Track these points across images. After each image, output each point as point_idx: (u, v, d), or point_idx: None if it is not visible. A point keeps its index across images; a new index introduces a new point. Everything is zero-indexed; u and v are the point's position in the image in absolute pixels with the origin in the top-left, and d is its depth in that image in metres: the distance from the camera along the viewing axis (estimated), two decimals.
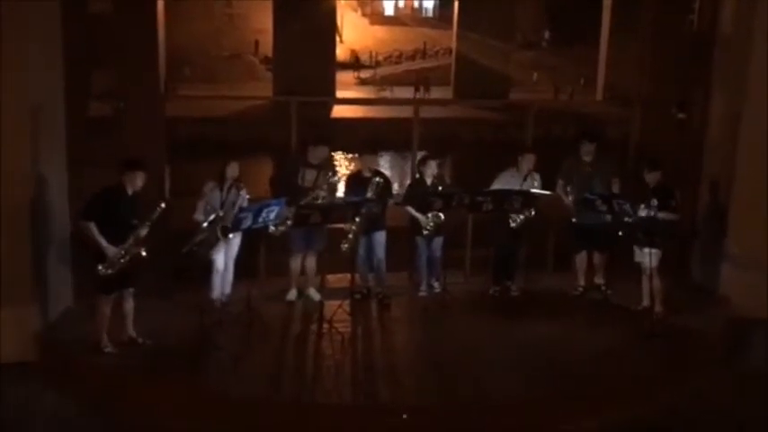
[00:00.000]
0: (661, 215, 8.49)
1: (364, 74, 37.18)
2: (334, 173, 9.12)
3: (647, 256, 8.64)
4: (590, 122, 23.97)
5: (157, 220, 7.65)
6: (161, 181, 9.56)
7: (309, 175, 8.95)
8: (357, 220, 8.60)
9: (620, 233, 8.78)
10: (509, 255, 9.54)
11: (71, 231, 8.63)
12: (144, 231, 7.60)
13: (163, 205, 7.71)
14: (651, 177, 8.69)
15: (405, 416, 6.95)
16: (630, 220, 8.57)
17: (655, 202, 8.49)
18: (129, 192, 7.66)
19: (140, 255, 7.58)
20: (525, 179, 9.20)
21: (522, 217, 9.13)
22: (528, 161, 9.29)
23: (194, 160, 14.65)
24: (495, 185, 9.30)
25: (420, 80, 34.78)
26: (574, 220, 9.32)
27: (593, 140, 9.40)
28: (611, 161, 9.60)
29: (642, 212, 8.54)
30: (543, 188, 9.30)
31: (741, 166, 9.51)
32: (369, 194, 8.77)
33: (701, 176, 10.17)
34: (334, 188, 8.99)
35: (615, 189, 9.23)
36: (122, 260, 7.57)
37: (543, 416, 7.31)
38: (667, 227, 8.60)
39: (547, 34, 42.31)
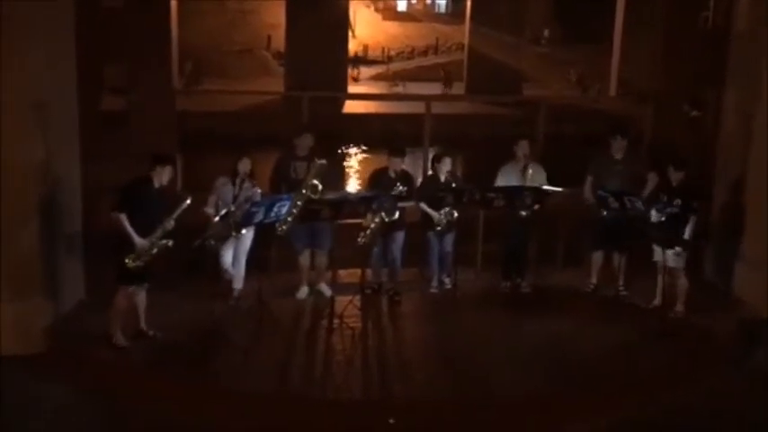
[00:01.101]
0: (687, 232, 8.50)
1: (365, 73, 36.92)
2: (321, 159, 8.97)
3: (669, 257, 8.60)
4: (602, 119, 23.83)
5: (182, 214, 7.71)
6: (173, 175, 9.58)
7: (300, 168, 8.91)
8: (377, 221, 8.58)
9: (643, 233, 8.71)
10: (518, 250, 9.51)
11: (83, 224, 8.67)
12: (170, 224, 7.68)
13: (188, 201, 7.78)
14: (676, 177, 8.62)
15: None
16: (655, 220, 8.51)
17: (678, 201, 8.44)
18: (156, 185, 7.74)
19: (168, 247, 7.67)
20: (525, 169, 9.17)
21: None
22: (523, 148, 9.25)
23: (205, 154, 14.67)
24: (499, 179, 9.29)
25: (447, 75, 34.65)
26: (604, 213, 9.06)
27: (624, 136, 9.29)
28: (641, 158, 9.47)
29: (663, 213, 8.49)
30: (550, 183, 9.28)
31: (755, 163, 9.45)
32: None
33: (713, 174, 10.10)
34: (323, 172, 8.81)
35: (651, 185, 9.10)
36: (151, 252, 7.64)
37: (554, 412, 7.28)
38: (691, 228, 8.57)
39: (546, 32, 41.83)
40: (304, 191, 8.64)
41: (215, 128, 22.71)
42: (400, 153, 9.26)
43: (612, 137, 9.29)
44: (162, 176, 7.76)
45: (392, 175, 9.03)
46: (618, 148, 9.26)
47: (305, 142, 9.01)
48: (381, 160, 9.54)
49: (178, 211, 7.71)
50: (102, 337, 7.90)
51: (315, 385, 7.47)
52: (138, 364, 7.76)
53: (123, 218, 7.59)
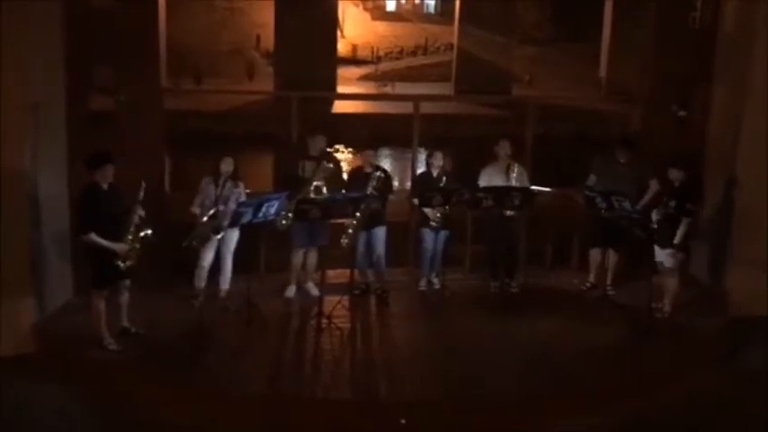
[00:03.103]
0: (678, 234, 8.48)
1: (354, 73, 36.72)
2: (334, 163, 9.10)
3: (663, 257, 8.62)
4: (590, 119, 23.89)
5: (145, 201, 7.71)
6: (161, 175, 9.55)
7: (309, 167, 8.95)
8: (357, 215, 8.61)
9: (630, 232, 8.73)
10: (506, 250, 9.53)
11: (70, 224, 8.64)
12: (140, 213, 7.67)
13: (144, 185, 7.72)
14: (676, 176, 8.61)
15: (403, 421, 6.93)
16: (654, 220, 8.54)
17: (673, 203, 8.46)
18: (105, 186, 7.65)
19: (149, 236, 7.69)
20: (508, 170, 9.21)
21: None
22: (504, 148, 9.30)
23: (194, 154, 14.62)
24: (482, 180, 9.30)
25: None
26: (603, 212, 8.96)
27: (630, 147, 9.32)
28: (645, 164, 9.50)
29: (659, 214, 8.51)
30: (540, 183, 9.30)
31: (743, 162, 9.48)
32: (369, 190, 8.77)
33: (702, 173, 10.12)
34: (330, 176, 8.94)
35: (652, 191, 9.13)
36: (136, 248, 7.66)
37: (542, 412, 7.31)
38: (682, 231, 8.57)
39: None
40: (312, 189, 8.73)
41: (204, 128, 22.69)
42: (372, 146, 9.46)
43: (619, 147, 9.33)
44: (105, 176, 7.63)
45: (368, 170, 9.08)
46: (623, 155, 9.29)
47: (318, 143, 9.04)
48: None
49: (140, 197, 7.67)
50: (90, 337, 7.86)
51: (304, 385, 7.46)
52: (128, 364, 7.73)
53: (94, 236, 7.53)
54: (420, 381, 7.59)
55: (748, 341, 8.75)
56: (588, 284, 9.68)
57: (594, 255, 9.62)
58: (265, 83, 31.28)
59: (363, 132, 22.12)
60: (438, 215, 9.08)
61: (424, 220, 9.22)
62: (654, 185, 9.17)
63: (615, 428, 7.31)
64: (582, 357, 7.99)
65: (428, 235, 9.30)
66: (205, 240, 8.43)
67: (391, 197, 9.26)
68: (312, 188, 8.78)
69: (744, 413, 7.45)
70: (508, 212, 9.16)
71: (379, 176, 8.85)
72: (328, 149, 9.40)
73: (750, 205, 9.32)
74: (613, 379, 7.77)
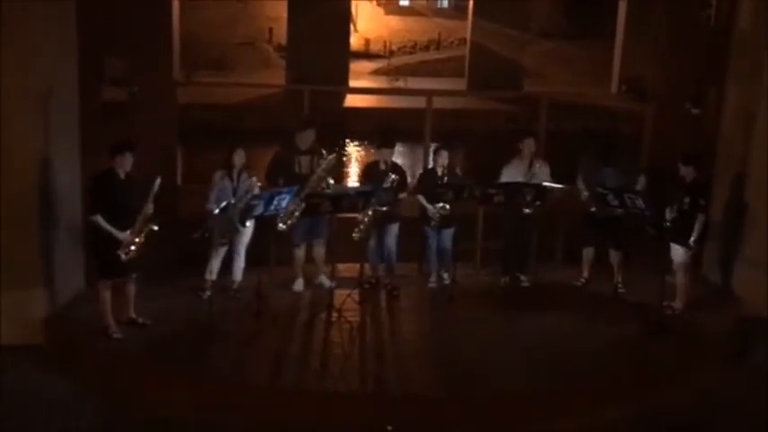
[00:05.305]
0: (695, 230, 8.53)
1: (366, 67, 36.64)
2: (329, 153, 9.03)
3: (675, 253, 8.65)
4: (603, 116, 23.82)
5: (157, 194, 7.72)
6: (173, 167, 9.57)
7: (304, 162, 8.94)
8: (370, 213, 8.60)
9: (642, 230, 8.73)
10: (519, 245, 9.52)
11: (83, 215, 8.67)
12: (150, 208, 7.68)
13: (159, 180, 7.74)
14: (686, 172, 8.64)
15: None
16: (668, 217, 8.53)
17: (687, 199, 8.47)
18: (122, 175, 7.71)
19: (153, 231, 7.69)
20: (531, 166, 9.21)
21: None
22: (528, 146, 9.31)
23: (206, 147, 14.66)
24: (504, 176, 9.30)
25: None
26: (592, 209, 9.19)
27: (615, 150, 9.43)
28: (634, 159, 9.49)
29: (673, 211, 8.51)
30: (553, 178, 9.29)
31: (755, 162, 9.44)
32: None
33: (714, 173, 10.09)
34: (331, 168, 8.92)
35: (639, 187, 9.12)
36: (138, 240, 7.66)
37: (549, 408, 7.31)
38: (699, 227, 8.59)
39: None
40: (322, 184, 8.73)
41: (216, 121, 22.73)
42: (390, 145, 9.33)
43: (605, 149, 9.42)
44: (124, 165, 7.71)
45: (383, 167, 9.06)
46: (609, 156, 9.35)
47: (308, 137, 9.03)
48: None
49: (152, 194, 7.70)
50: (96, 329, 7.91)
51: (313, 378, 7.47)
52: (137, 355, 7.77)
53: (100, 219, 7.62)
54: (428, 375, 7.62)
55: (756, 340, 8.73)
56: (582, 280, 9.69)
57: (587, 252, 9.65)
58: (278, 76, 31.28)
59: (374, 126, 22.16)
60: (438, 214, 9.05)
61: (427, 218, 9.21)
62: (641, 181, 9.17)
63: (622, 425, 7.31)
64: (590, 354, 7.98)
65: (431, 233, 9.29)
66: (229, 234, 8.44)
67: (403, 196, 9.17)
68: (316, 179, 8.76)
69: (750, 412, 7.44)
70: (526, 211, 9.14)
71: (394, 180, 8.77)
72: (342, 143, 9.38)
73: (761, 205, 9.27)
74: (621, 376, 7.77)
